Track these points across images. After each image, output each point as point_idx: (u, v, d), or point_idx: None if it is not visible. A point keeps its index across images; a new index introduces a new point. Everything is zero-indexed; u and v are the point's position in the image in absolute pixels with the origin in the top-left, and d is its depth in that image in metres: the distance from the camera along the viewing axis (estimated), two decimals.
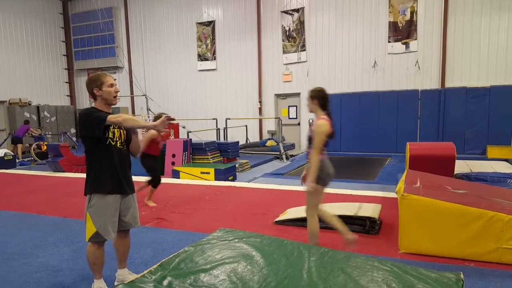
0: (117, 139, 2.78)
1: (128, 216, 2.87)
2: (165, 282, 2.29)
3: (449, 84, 11.72)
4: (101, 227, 2.68)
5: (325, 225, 4.29)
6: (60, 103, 17.41)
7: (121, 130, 2.82)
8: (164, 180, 7.90)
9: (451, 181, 4.87)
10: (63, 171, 9.27)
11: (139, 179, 7.94)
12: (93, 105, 2.80)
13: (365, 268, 2.40)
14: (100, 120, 2.59)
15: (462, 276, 2.24)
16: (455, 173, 6.52)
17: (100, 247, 2.78)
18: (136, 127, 2.76)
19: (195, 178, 7.85)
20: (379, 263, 2.48)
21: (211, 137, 12.43)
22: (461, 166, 8.02)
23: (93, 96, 2.74)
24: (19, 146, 12.34)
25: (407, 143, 6.87)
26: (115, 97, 2.75)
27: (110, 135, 2.72)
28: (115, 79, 2.90)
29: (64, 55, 17.84)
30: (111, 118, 2.59)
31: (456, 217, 3.37)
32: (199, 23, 15.25)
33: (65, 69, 17.89)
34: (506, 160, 9.42)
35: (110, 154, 2.73)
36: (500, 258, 3.27)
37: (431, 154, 6.31)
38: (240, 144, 11.38)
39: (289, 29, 13.67)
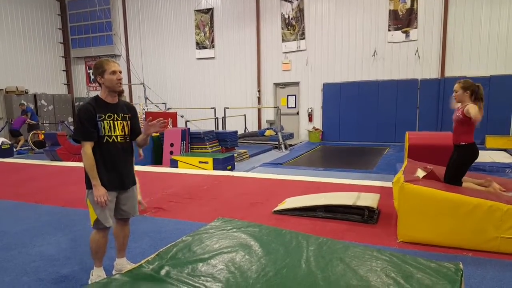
0: (118, 133, 2.70)
1: (127, 205, 2.85)
2: (163, 272, 2.28)
3: (448, 73, 11.66)
4: (100, 214, 2.68)
5: (327, 216, 4.30)
6: (57, 91, 17.28)
7: (124, 122, 2.75)
8: (162, 169, 7.90)
9: None
10: (61, 160, 9.23)
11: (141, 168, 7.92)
12: (99, 94, 2.73)
13: (364, 257, 2.40)
14: (83, 135, 2.60)
15: (461, 266, 2.23)
16: None
17: (105, 235, 2.78)
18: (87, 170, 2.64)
19: (193, 167, 7.83)
20: (378, 252, 2.47)
21: (209, 126, 12.38)
22: None
23: (98, 83, 2.69)
24: (21, 138, 12.24)
25: (406, 132, 6.84)
26: (117, 84, 2.65)
27: (106, 132, 2.65)
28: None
29: (61, 42, 17.63)
30: (86, 147, 2.59)
31: (455, 207, 3.36)
32: (197, 10, 15.06)
33: (62, 57, 17.71)
34: (505, 150, 9.41)
35: (107, 152, 2.67)
36: (498, 248, 3.27)
37: (430, 144, 6.29)
38: (238, 133, 11.34)
39: (289, 17, 13.51)
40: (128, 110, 2.81)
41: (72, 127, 15.13)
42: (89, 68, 17.71)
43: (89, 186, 2.67)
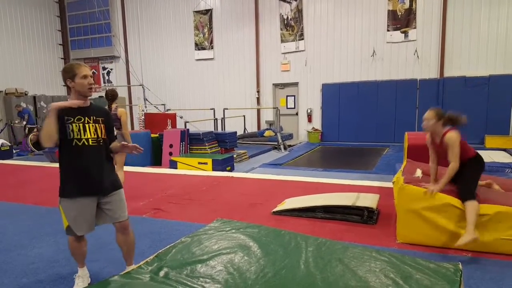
0: (89, 136, 2.60)
1: (110, 210, 2.74)
2: (162, 273, 2.28)
3: (448, 73, 11.66)
4: (71, 222, 2.64)
5: (327, 216, 4.29)
6: (56, 93, 17.27)
7: (97, 125, 2.65)
8: (161, 170, 7.90)
9: None
10: None
11: (132, 169, 7.93)
12: (69, 99, 2.66)
13: (363, 258, 2.40)
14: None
15: (460, 266, 2.23)
16: None
17: (76, 240, 2.74)
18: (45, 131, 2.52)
19: (192, 168, 7.83)
20: (377, 253, 2.47)
21: (208, 127, 12.38)
22: None
23: (67, 87, 2.65)
24: None
25: (406, 132, 6.84)
26: (89, 89, 2.60)
27: (75, 135, 2.55)
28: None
29: (60, 44, 17.64)
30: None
31: (454, 207, 3.35)
32: (196, 11, 15.07)
33: (61, 58, 17.72)
34: (504, 150, 9.43)
35: (77, 156, 2.57)
36: (497, 248, 3.27)
37: None
38: (238, 134, 11.34)
39: (287, 17, 13.52)
40: (101, 114, 2.72)
41: None
42: None
43: (61, 194, 2.64)
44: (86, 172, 2.60)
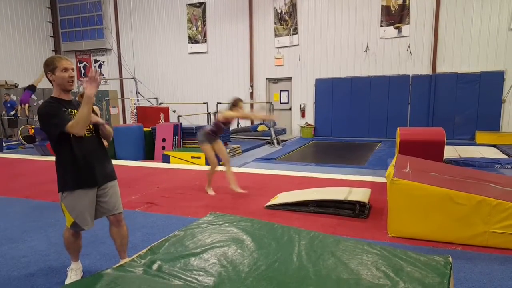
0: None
1: (106, 202, 2.74)
2: (155, 266, 2.28)
3: (440, 69, 11.75)
4: (78, 217, 2.61)
5: (319, 211, 4.32)
6: (47, 85, 16.99)
7: None
8: (154, 164, 7.87)
9: (440, 166, 4.91)
10: (51, 155, 9.13)
11: (124, 163, 7.89)
12: (52, 94, 2.60)
13: (355, 251, 2.42)
14: (58, 126, 2.42)
15: (450, 259, 2.26)
16: (444, 158, 6.59)
17: (74, 234, 2.74)
18: (87, 117, 2.43)
19: (185, 162, 7.81)
20: (368, 246, 2.49)
21: (202, 121, 12.34)
22: (450, 151, 8.11)
23: (49, 81, 2.56)
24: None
25: (398, 128, 6.90)
26: (69, 82, 2.54)
27: None
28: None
29: (51, 36, 17.39)
30: (69, 127, 2.41)
31: (445, 202, 3.40)
32: (189, 4, 14.94)
33: (52, 50, 17.47)
34: (494, 146, 9.55)
35: (78, 148, 2.55)
36: (487, 242, 3.32)
37: (421, 139, 6.35)
38: (231, 128, 11.32)
39: (281, 11, 13.48)
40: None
41: None
42: (80, 62, 17.53)
43: (61, 188, 2.61)
44: (89, 163, 2.61)
